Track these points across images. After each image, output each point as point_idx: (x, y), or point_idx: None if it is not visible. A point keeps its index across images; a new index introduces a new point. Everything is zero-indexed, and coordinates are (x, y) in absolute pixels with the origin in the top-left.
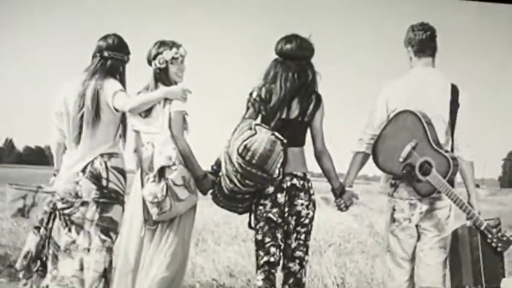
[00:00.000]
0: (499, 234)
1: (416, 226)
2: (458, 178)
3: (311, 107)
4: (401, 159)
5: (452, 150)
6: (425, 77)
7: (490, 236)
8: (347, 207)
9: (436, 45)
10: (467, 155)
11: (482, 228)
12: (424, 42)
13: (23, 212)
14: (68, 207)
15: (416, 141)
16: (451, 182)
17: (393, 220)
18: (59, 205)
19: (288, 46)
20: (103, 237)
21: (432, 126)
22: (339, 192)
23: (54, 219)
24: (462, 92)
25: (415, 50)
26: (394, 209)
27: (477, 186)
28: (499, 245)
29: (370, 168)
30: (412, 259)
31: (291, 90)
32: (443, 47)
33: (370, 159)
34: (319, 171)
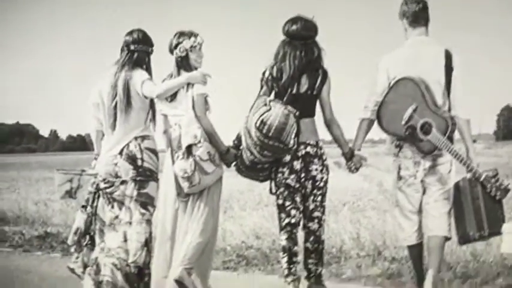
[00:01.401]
0: (497, 183)
1: (421, 181)
2: (456, 135)
3: (318, 81)
4: (403, 122)
5: (449, 110)
6: (421, 45)
7: (489, 185)
8: (357, 168)
9: (428, 16)
10: (464, 114)
11: (481, 179)
12: (417, 13)
13: (70, 194)
14: (110, 187)
15: (416, 105)
16: (450, 139)
17: (400, 178)
18: (102, 185)
19: (294, 27)
20: (142, 211)
21: (430, 90)
22: (349, 156)
23: (98, 198)
24: (455, 56)
25: (409, 21)
26: (400, 168)
27: (474, 141)
28: (498, 193)
29: (376, 132)
30: (419, 211)
31: (300, 67)
32: (436, 15)
33: (376, 124)
34: (330, 138)
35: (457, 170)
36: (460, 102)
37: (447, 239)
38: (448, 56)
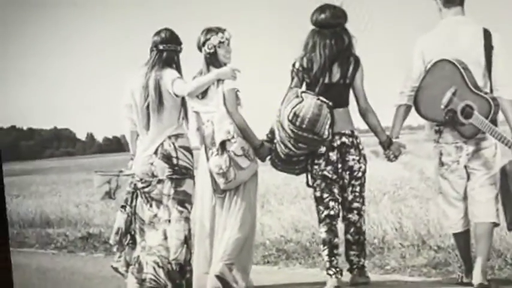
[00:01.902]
0: None
1: (465, 167)
2: (500, 117)
3: (351, 69)
4: (442, 106)
5: (491, 91)
6: (457, 25)
7: None
8: (396, 157)
9: None
10: (507, 94)
11: None
12: None
13: (109, 195)
14: (147, 186)
15: (456, 87)
16: (494, 122)
17: (442, 164)
18: (139, 185)
19: (323, 16)
20: (180, 208)
21: (469, 71)
22: (387, 144)
23: (136, 198)
24: (494, 34)
25: (443, 1)
26: (441, 154)
27: None
28: None
29: (414, 118)
30: (465, 198)
31: (330, 56)
32: None
33: (413, 110)
34: (366, 127)
35: (502, 153)
36: (502, 82)
37: (495, 225)
38: (487, 35)
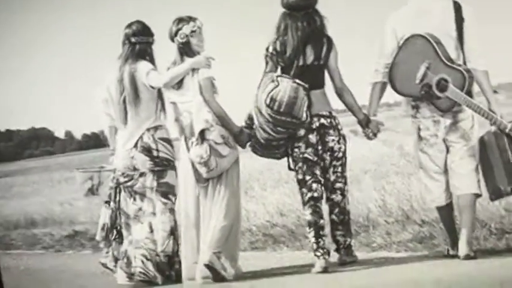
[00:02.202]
0: None
1: (444, 140)
2: (476, 88)
3: (324, 50)
4: (417, 81)
5: (464, 63)
6: (427, 0)
7: None
8: (375, 134)
9: None
10: (480, 65)
11: (507, 130)
12: None
13: (92, 191)
14: (129, 180)
15: (429, 62)
16: (469, 93)
17: (420, 138)
18: (121, 179)
19: None
20: (164, 200)
21: (442, 45)
22: (365, 122)
23: (120, 193)
24: (465, 7)
25: None
26: (419, 129)
27: (495, 92)
28: None
29: (391, 95)
30: (445, 171)
31: (303, 38)
32: None
33: (389, 87)
34: (343, 107)
35: (480, 124)
36: (475, 53)
37: (478, 196)
38: (458, 7)
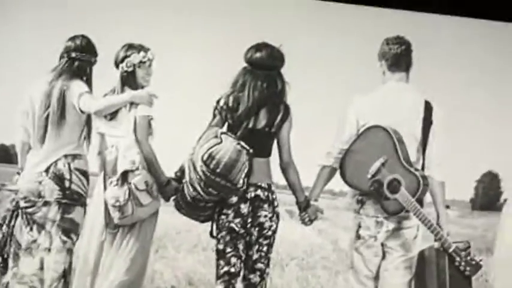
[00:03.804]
0: (468, 257)
1: (382, 244)
2: (428, 198)
3: (279, 117)
4: (369, 176)
5: (423, 169)
6: (399, 92)
7: (458, 259)
8: (311, 221)
9: (411, 60)
10: (439, 175)
11: (450, 250)
12: (398, 56)
13: None
14: (31, 206)
15: (386, 158)
16: (420, 202)
17: (358, 237)
18: (22, 204)
19: (258, 55)
20: (64, 238)
21: (403, 144)
22: (304, 205)
23: (16, 218)
24: (436, 109)
25: (389, 64)
26: (359, 226)
27: (447, 207)
28: (467, 268)
29: (337, 182)
30: (376, 278)
31: (259, 99)
32: (418, 62)
33: (337, 174)
34: (285, 183)
35: (424, 237)
36: (436, 161)
37: None
38: (428, 108)
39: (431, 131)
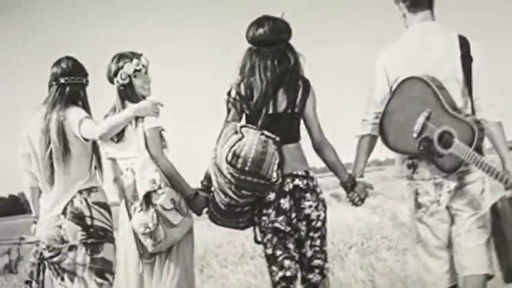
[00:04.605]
0: None
1: (447, 208)
2: (487, 144)
3: (299, 95)
4: (415, 135)
5: (473, 113)
6: (426, 33)
7: None
8: (362, 200)
9: None
10: (493, 116)
11: None
12: None
13: (10, 268)
14: (56, 255)
15: (430, 111)
16: (479, 150)
17: (418, 206)
18: (46, 254)
19: (261, 31)
20: (99, 280)
21: (445, 90)
22: (350, 185)
23: (44, 270)
24: (473, 43)
25: (408, 4)
26: (417, 193)
27: (510, 149)
28: None
29: (381, 151)
30: (449, 246)
31: (274, 80)
32: None
33: (379, 141)
34: (323, 165)
35: (492, 188)
36: (486, 101)
37: (489, 277)
38: (464, 44)
39: (473, 69)
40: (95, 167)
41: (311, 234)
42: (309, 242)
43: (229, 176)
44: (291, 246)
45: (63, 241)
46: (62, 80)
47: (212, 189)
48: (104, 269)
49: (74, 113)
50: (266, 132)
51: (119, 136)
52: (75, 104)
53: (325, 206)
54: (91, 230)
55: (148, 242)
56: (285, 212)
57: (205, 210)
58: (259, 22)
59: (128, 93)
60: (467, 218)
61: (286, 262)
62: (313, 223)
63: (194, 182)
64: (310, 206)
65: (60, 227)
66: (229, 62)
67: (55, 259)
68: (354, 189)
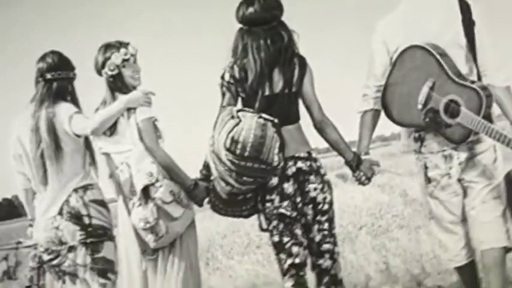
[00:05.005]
0: None
1: (459, 180)
2: (496, 110)
3: (296, 72)
4: (420, 106)
5: (479, 79)
6: None
7: None
8: (369, 178)
9: None
10: (500, 80)
11: None
12: None
13: (9, 275)
14: (55, 257)
15: (433, 80)
16: (488, 117)
17: (428, 180)
18: (45, 257)
19: (251, 9)
20: (102, 280)
21: (448, 57)
22: (355, 163)
23: (44, 274)
24: (475, 5)
25: None
26: (426, 167)
27: None
28: None
29: (385, 125)
30: (464, 220)
31: (268, 59)
32: None
33: (383, 115)
34: (326, 145)
35: (504, 157)
36: (492, 65)
37: (508, 249)
38: (465, 7)
39: (476, 33)
40: (89, 164)
41: (318, 217)
42: (316, 226)
43: (228, 163)
44: (298, 231)
45: (61, 243)
46: (49, 76)
47: (212, 178)
48: (106, 269)
49: (63, 109)
50: (264, 115)
51: (112, 129)
52: (63, 100)
53: (330, 188)
54: (89, 229)
55: (149, 238)
56: (290, 197)
57: (206, 200)
58: (248, 0)
59: (118, 84)
60: (481, 190)
61: (295, 249)
62: (320, 206)
63: (193, 171)
64: (315, 189)
65: (57, 228)
66: (222, 46)
67: (54, 262)
68: (359, 168)
